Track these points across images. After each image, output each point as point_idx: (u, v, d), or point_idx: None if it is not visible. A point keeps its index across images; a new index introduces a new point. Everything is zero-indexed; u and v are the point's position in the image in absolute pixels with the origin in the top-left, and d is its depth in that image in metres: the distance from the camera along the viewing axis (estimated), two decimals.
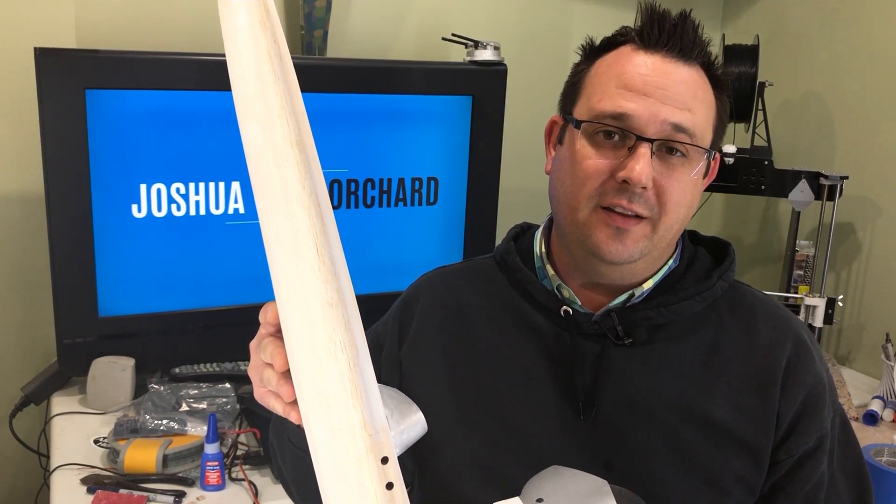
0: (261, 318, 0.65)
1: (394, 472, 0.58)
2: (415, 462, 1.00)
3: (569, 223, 0.90)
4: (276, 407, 0.66)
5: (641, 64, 0.86)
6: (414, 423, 0.64)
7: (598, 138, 0.87)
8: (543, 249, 0.97)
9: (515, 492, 0.70)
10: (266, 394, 0.67)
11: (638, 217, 0.86)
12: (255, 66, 0.56)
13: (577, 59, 0.95)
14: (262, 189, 0.58)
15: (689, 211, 0.90)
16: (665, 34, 0.86)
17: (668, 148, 0.86)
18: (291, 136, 0.56)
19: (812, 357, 0.92)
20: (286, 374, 0.61)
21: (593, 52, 0.92)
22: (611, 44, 0.91)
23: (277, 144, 0.56)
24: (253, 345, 0.71)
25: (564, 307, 0.92)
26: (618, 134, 0.86)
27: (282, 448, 0.98)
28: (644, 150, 0.84)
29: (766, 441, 0.89)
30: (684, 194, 0.87)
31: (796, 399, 0.89)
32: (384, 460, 0.58)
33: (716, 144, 0.92)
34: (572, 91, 0.93)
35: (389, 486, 0.57)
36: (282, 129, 0.56)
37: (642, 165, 0.83)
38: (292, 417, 0.63)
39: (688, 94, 0.86)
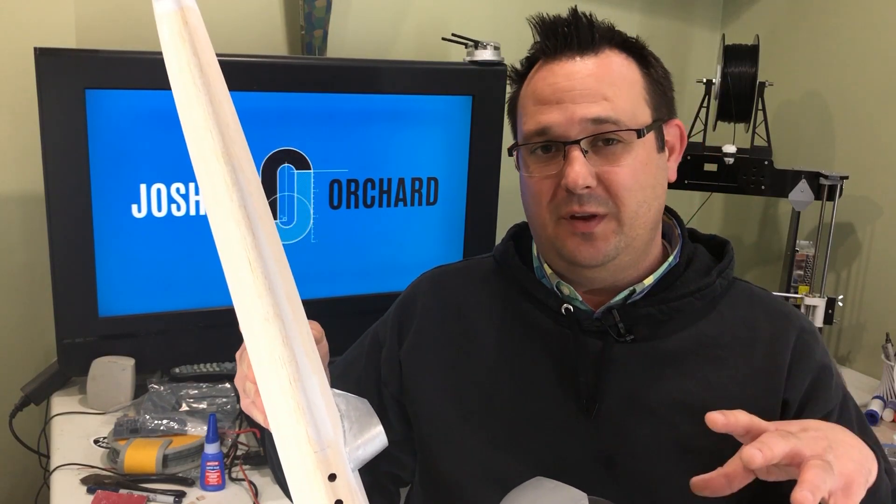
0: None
1: (345, 489, 0.57)
2: (416, 461, 1.00)
3: (543, 240, 0.92)
4: (258, 417, 0.67)
5: (549, 74, 0.89)
6: (372, 438, 0.62)
7: (536, 155, 0.90)
8: None
9: None
10: (249, 404, 0.68)
11: (597, 216, 0.86)
12: (179, 79, 0.57)
13: None
14: (204, 202, 0.58)
15: (652, 192, 0.89)
16: (561, 38, 0.89)
17: (604, 140, 0.86)
18: (217, 147, 0.56)
19: (817, 346, 0.93)
20: None
21: (518, 77, 0.96)
22: (528, 64, 0.94)
23: (204, 156, 0.56)
24: (238, 356, 0.71)
25: (565, 305, 0.93)
26: (551, 146, 0.88)
27: (276, 453, 0.98)
28: (574, 153, 0.85)
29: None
30: (635, 178, 0.87)
31: (803, 384, 0.90)
32: (332, 477, 0.57)
33: (663, 114, 0.92)
34: (512, 120, 0.97)
35: (339, 503, 0.56)
36: (206, 141, 0.56)
37: (577, 168, 0.85)
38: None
39: (601, 83, 0.87)
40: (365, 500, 0.58)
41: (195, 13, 0.57)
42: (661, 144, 0.91)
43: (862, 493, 0.72)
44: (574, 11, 0.90)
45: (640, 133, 0.87)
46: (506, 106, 0.99)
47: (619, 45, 0.90)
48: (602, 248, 0.87)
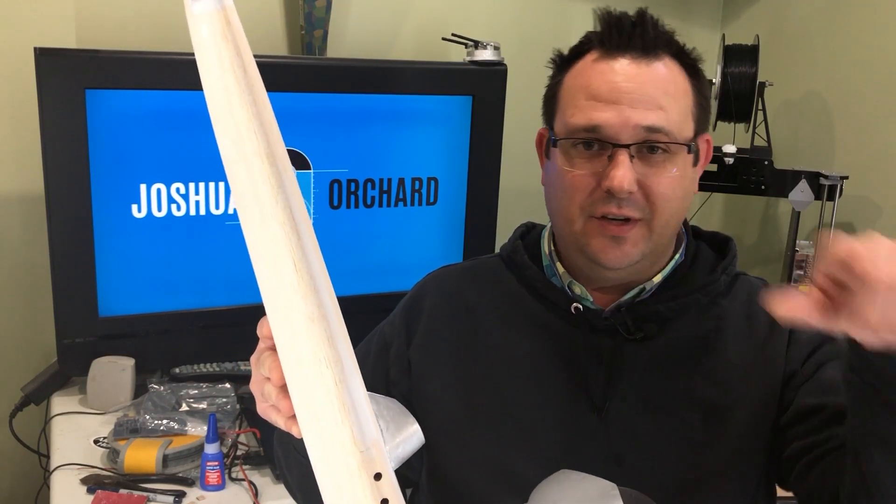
0: (258, 332, 0.65)
1: (389, 488, 0.57)
2: (423, 460, 1.00)
3: (567, 234, 0.91)
4: (278, 421, 0.66)
5: (608, 71, 0.87)
6: (410, 436, 0.62)
7: (578, 150, 0.88)
8: (552, 247, 0.98)
9: (526, 489, 0.70)
10: (267, 408, 0.67)
11: (631, 220, 0.86)
12: (221, 80, 0.55)
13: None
14: (240, 204, 0.57)
15: (683, 203, 0.90)
16: (625, 36, 0.87)
17: (648, 147, 0.86)
18: (261, 148, 0.55)
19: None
20: (284, 388, 0.61)
21: (563, 64, 0.94)
22: (577, 53, 0.92)
23: (248, 158, 0.55)
24: (253, 359, 0.71)
25: (575, 304, 0.93)
26: (596, 144, 0.87)
27: (287, 457, 0.98)
28: (622, 157, 0.85)
29: (774, 404, 0.89)
30: (673, 189, 0.88)
31: (804, 351, 0.90)
32: (377, 476, 0.57)
33: (701, 129, 0.92)
34: (550, 105, 0.95)
35: (384, 502, 0.56)
36: (250, 143, 0.55)
37: (622, 172, 0.84)
38: (294, 431, 0.62)
39: (658, 91, 0.86)
40: (403, 500, 0.58)
41: (235, 13, 0.56)
42: (696, 159, 0.92)
43: None
44: (642, 13, 0.89)
45: (689, 148, 0.88)
46: (545, 91, 0.96)
47: (676, 55, 0.89)
48: (629, 253, 0.87)
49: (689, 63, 0.90)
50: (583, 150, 0.88)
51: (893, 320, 0.62)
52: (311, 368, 0.56)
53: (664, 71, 0.88)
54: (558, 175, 0.90)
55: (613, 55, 0.87)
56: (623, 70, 0.87)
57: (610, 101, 0.86)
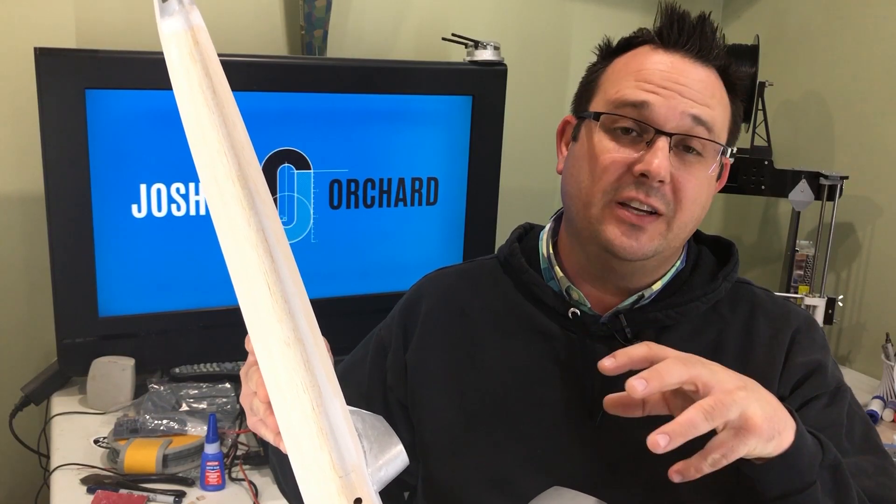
0: (247, 346, 0.64)
1: None
2: (418, 466, 1.00)
3: (581, 218, 0.89)
4: (267, 436, 0.66)
5: (659, 61, 0.87)
6: (394, 458, 0.61)
7: (616, 133, 0.87)
8: (551, 251, 0.97)
9: (520, 496, 0.70)
10: (257, 422, 0.67)
11: (653, 214, 0.85)
12: (190, 101, 0.54)
13: (577, 59, 0.96)
14: (216, 226, 0.56)
15: (702, 211, 0.90)
16: (685, 34, 0.87)
17: (685, 146, 0.86)
18: (232, 171, 0.54)
19: (812, 344, 0.92)
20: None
21: (610, 52, 0.92)
22: (628, 44, 0.91)
23: (219, 181, 0.54)
24: (242, 373, 0.70)
25: (572, 309, 0.92)
26: (636, 130, 0.85)
27: (283, 467, 0.98)
28: (663, 143, 0.84)
29: None
30: (700, 191, 0.87)
31: (793, 379, 0.90)
32: (357, 501, 0.56)
33: (730, 146, 0.92)
34: (587, 90, 0.93)
35: None
36: (221, 165, 0.54)
37: (661, 159, 0.83)
38: (282, 447, 0.61)
39: (706, 92, 0.86)
40: None
41: (205, 32, 0.55)
42: (719, 173, 0.92)
43: (756, 445, 0.70)
44: (704, 17, 0.89)
45: (724, 150, 0.88)
46: (583, 78, 0.95)
47: (722, 69, 0.90)
48: (644, 245, 0.86)
49: (731, 81, 0.90)
50: (621, 133, 0.86)
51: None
52: (288, 392, 0.55)
53: (712, 79, 0.88)
54: (589, 155, 0.88)
55: (668, 49, 0.87)
56: (675, 63, 0.87)
57: (660, 86, 0.85)
